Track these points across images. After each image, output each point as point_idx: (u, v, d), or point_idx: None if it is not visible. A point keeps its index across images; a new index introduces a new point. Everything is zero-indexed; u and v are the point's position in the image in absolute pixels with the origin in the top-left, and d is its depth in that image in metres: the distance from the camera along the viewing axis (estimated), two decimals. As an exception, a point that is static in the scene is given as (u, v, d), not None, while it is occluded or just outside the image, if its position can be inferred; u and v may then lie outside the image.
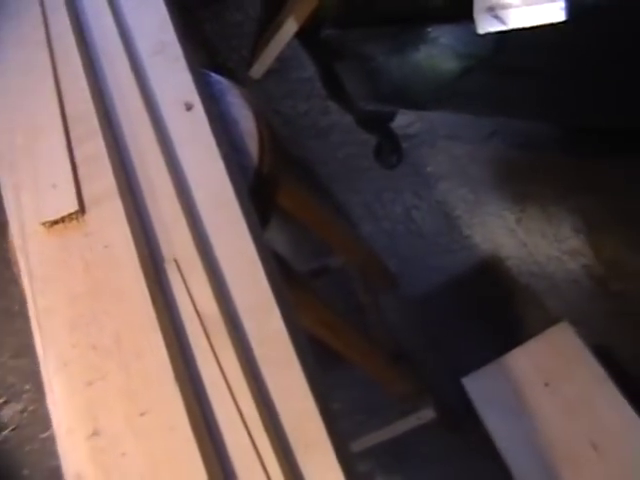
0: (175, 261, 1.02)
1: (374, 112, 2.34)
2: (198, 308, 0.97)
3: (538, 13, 1.55)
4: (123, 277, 1.00)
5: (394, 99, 2.15)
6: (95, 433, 0.91)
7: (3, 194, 1.16)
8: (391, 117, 2.43)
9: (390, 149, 2.50)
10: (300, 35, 2.68)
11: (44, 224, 1.07)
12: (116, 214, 1.05)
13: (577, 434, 1.82)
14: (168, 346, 0.93)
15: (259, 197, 1.21)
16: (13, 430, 2.57)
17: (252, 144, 1.27)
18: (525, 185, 2.36)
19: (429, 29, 1.83)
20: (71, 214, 1.07)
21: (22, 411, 2.58)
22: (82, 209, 1.08)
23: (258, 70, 2.81)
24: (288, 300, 1.02)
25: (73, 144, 1.14)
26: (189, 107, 1.19)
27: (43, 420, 2.48)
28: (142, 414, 0.90)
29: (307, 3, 2.44)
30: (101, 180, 1.09)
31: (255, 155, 1.26)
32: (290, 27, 2.61)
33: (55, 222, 1.07)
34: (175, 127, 1.18)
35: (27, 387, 2.60)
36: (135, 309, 0.97)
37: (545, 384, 1.89)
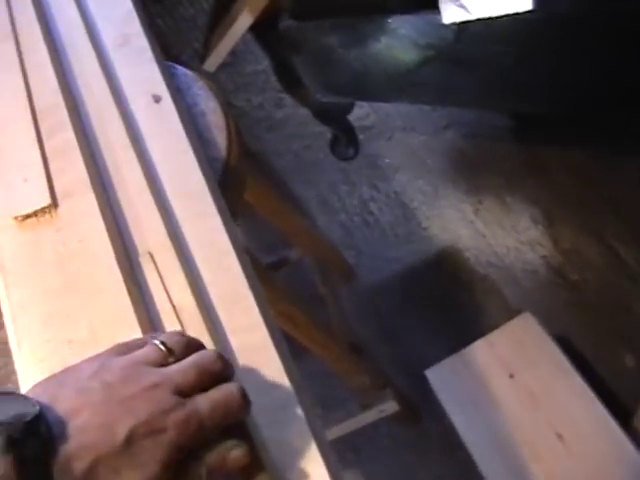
0: (150, 254, 1.01)
1: (332, 104, 2.34)
2: (173, 301, 0.96)
3: (504, 2, 1.56)
4: (98, 271, 0.99)
5: (353, 91, 2.15)
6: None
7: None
8: (349, 109, 2.44)
9: (346, 141, 2.50)
10: (254, 28, 2.67)
11: (16, 218, 1.05)
12: (89, 208, 1.04)
13: (542, 425, 1.83)
14: (145, 340, 0.92)
15: (227, 189, 1.21)
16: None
17: (220, 136, 1.27)
18: (481, 175, 2.38)
19: (389, 20, 1.83)
20: (43, 208, 1.05)
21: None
22: (54, 203, 1.06)
23: (212, 63, 2.80)
24: (261, 291, 1.02)
25: (43, 137, 1.13)
26: (157, 99, 1.18)
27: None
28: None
29: (262, -4, 2.43)
30: (72, 173, 1.08)
31: (223, 147, 1.26)
32: (245, 20, 2.60)
33: (27, 216, 1.05)
34: (144, 120, 1.16)
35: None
36: (111, 303, 0.96)
37: (510, 376, 1.91)
